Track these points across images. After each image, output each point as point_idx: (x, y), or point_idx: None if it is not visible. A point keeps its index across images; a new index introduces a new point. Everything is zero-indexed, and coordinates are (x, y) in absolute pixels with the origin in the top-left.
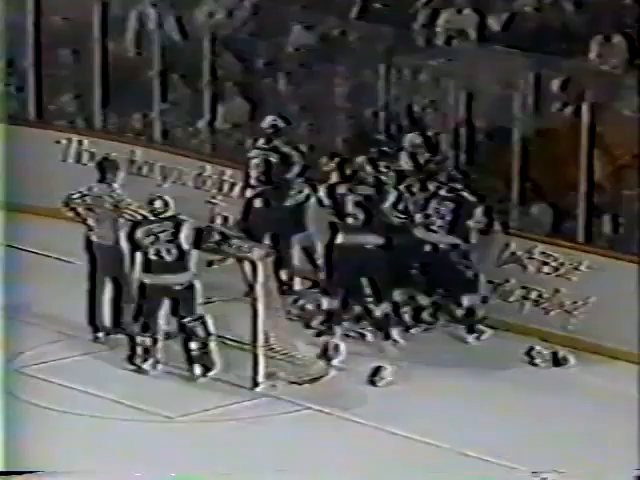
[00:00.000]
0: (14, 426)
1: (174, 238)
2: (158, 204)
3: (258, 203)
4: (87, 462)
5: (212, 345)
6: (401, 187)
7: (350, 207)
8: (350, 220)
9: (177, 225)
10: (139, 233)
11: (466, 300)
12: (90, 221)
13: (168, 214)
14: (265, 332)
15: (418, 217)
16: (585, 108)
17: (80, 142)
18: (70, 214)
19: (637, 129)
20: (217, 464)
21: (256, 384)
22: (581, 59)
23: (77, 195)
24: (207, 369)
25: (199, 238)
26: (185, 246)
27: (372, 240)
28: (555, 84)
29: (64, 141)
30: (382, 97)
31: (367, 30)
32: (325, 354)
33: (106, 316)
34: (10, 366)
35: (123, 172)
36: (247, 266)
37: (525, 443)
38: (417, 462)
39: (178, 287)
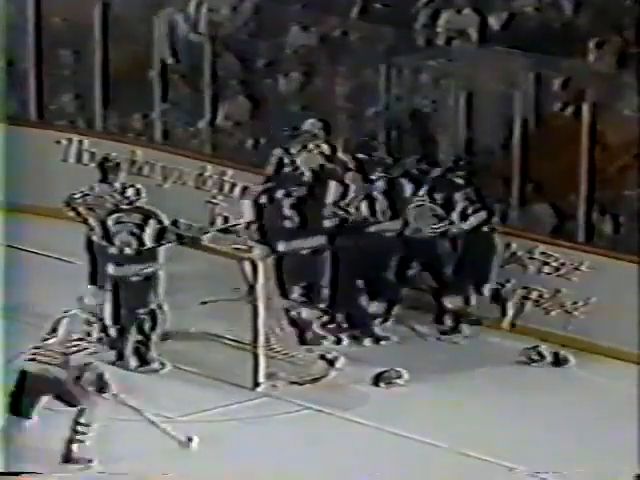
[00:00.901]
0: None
1: (140, 231)
2: (130, 192)
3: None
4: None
5: (154, 341)
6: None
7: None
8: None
9: (145, 218)
10: (109, 221)
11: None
12: (91, 221)
13: (137, 204)
14: (266, 332)
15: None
16: (585, 108)
17: (81, 142)
18: (71, 214)
19: (637, 129)
20: (217, 464)
21: (257, 384)
22: (581, 59)
23: (78, 195)
24: (144, 363)
25: (161, 236)
26: (147, 242)
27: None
28: (555, 84)
29: (65, 141)
30: (383, 97)
31: (367, 30)
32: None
33: (107, 316)
34: (11, 366)
35: (124, 172)
36: (247, 266)
37: (525, 443)
38: (417, 462)
39: (135, 278)
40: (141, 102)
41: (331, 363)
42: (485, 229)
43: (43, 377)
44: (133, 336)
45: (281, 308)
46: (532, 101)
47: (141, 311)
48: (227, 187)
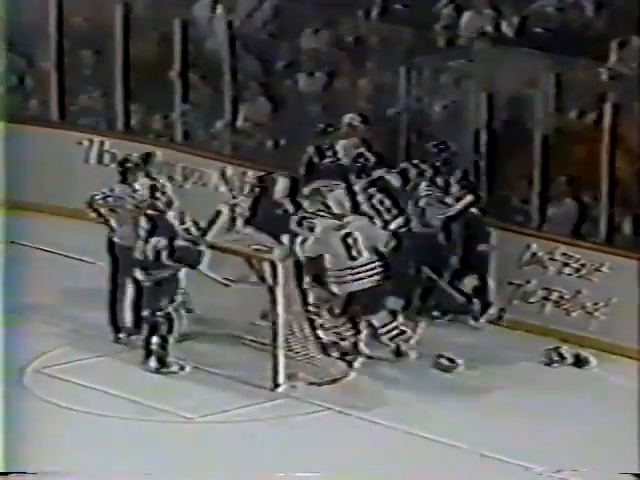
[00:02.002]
0: (35, 426)
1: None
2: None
3: None
4: (107, 462)
5: (171, 343)
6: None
7: None
8: None
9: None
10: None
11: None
12: (112, 222)
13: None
14: (285, 333)
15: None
16: (607, 109)
17: (102, 143)
18: (93, 215)
19: None
20: (236, 465)
21: (276, 385)
22: (602, 60)
23: (100, 196)
24: (163, 364)
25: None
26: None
27: None
28: (576, 85)
29: (86, 142)
30: (403, 98)
31: (387, 31)
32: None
33: (127, 317)
34: (32, 367)
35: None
36: (267, 267)
37: (545, 444)
38: (436, 462)
39: (152, 281)
40: (162, 103)
41: (350, 364)
42: (474, 211)
43: None
44: (151, 338)
45: (301, 309)
46: (552, 102)
47: (157, 313)
48: (247, 188)
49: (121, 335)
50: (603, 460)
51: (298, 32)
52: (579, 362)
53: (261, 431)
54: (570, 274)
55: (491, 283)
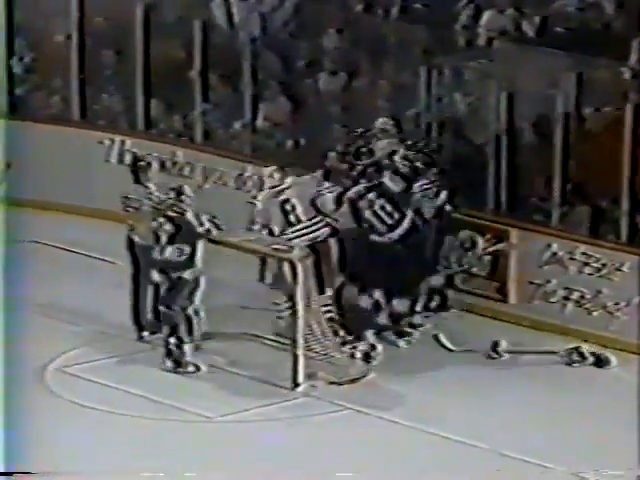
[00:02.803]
0: (58, 426)
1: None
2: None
3: None
4: (128, 461)
5: (189, 344)
6: None
7: None
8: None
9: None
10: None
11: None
12: (131, 221)
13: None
14: (305, 333)
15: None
16: (628, 108)
17: (123, 142)
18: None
19: None
20: (256, 464)
21: (296, 384)
22: (623, 59)
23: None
24: (179, 365)
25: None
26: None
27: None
28: (597, 84)
29: (107, 141)
30: (423, 98)
31: (408, 31)
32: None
33: (150, 316)
34: (53, 365)
35: (156, 172)
36: (287, 267)
37: (566, 444)
38: (456, 462)
39: (170, 282)
40: (182, 102)
41: (368, 362)
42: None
43: None
44: (169, 338)
45: (320, 308)
46: (573, 101)
47: (174, 314)
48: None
49: (145, 334)
50: (623, 460)
51: (319, 31)
52: (600, 362)
53: (281, 430)
54: (591, 274)
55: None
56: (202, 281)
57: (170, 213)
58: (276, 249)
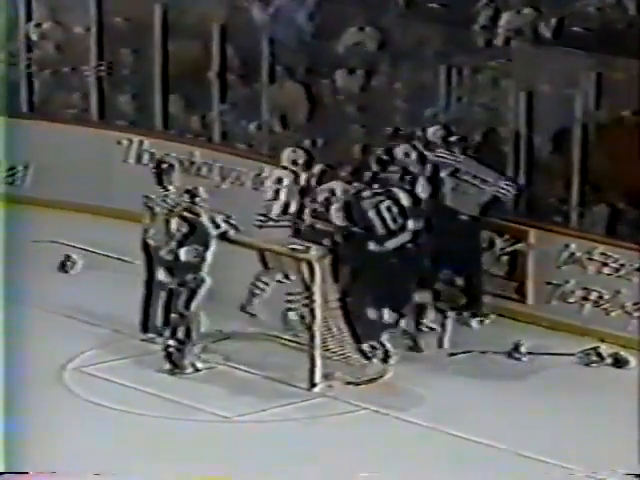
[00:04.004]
0: (76, 425)
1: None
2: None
3: None
4: (145, 461)
5: (188, 349)
6: None
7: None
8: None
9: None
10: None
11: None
12: (146, 223)
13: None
14: (322, 332)
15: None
16: None
17: (141, 143)
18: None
19: None
20: (274, 464)
21: (313, 385)
22: None
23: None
24: (176, 366)
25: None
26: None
27: None
28: (617, 84)
29: (125, 141)
30: (441, 98)
31: (426, 30)
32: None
33: (159, 317)
34: (71, 365)
35: (178, 174)
36: (304, 267)
37: (584, 444)
38: (474, 463)
39: (173, 286)
40: (200, 102)
41: (385, 362)
42: None
43: None
44: (167, 339)
45: (337, 307)
46: (593, 102)
47: (174, 316)
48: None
49: (150, 335)
50: None
51: (337, 31)
52: (618, 362)
53: (298, 430)
54: (609, 274)
55: None
56: (208, 281)
57: (185, 214)
58: (293, 249)
